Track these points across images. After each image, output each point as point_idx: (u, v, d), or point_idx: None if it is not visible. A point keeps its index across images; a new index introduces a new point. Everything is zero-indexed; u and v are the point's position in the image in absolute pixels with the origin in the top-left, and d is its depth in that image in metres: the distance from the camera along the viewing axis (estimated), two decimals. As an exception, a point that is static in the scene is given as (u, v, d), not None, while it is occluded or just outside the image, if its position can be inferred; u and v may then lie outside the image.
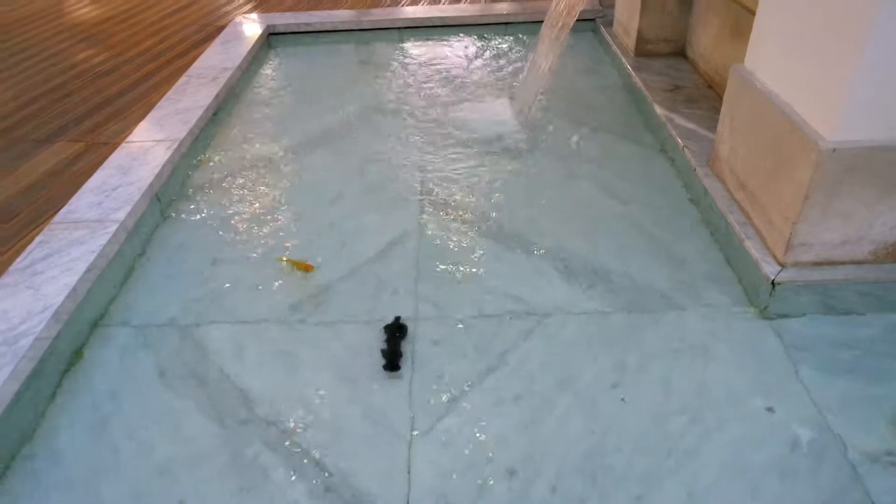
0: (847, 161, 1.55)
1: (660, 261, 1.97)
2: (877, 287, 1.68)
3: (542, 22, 2.95)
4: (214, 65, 3.36)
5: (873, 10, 1.38)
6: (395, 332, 1.72)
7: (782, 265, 1.72)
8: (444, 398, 1.56)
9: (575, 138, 2.69)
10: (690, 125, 2.47)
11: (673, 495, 1.32)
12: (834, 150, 1.54)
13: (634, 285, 1.88)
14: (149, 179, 2.25)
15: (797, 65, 1.70)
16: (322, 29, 4.05)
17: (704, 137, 2.35)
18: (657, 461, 1.39)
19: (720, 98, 2.41)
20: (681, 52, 3.16)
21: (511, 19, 4.01)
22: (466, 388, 1.58)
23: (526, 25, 3.89)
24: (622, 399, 1.53)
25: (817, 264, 1.72)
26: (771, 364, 1.60)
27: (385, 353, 1.66)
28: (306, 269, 2.01)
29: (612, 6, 3.62)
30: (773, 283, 1.69)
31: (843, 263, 1.72)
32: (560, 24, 2.62)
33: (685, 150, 2.31)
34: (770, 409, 1.48)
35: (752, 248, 1.80)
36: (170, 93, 3.03)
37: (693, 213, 2.17)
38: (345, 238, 2.16)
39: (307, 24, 4.05)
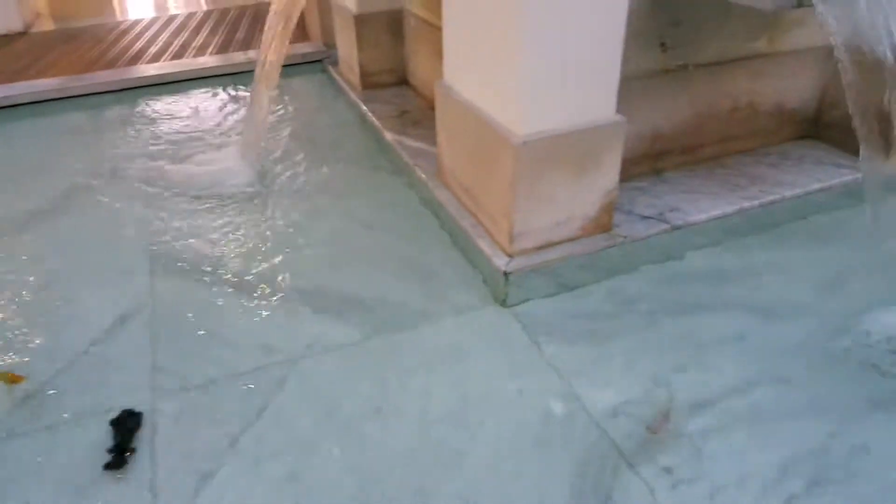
0: (538, 151, 1.71)
1: (409, 277, 1.99)
2: (590, 258, 1.87)
3: (285, 66, 2.85)
4: None
5: (520, 21, 1.54)
6: (121, 423, 1.49)
7: (511, 256, 1.84)
8: (193, 480, 1.37)
9: (315, 175, 2.66)
10: (419, 145, 2.59)
11: (448, 502, 1.30)
12: (525, 143, 1.69)
13: (387, 306, 1.87)
14: None
15: (479, 73, 1.85)
16: (26, 101, 3.55)
17: (432, 154, 2.46)
18: (428, 473, 1.36)
19: (439, 116, 2.56)
20: (404, 81, 3.33)
21: (250, 67, 3.88)
22: (219, 459, 1.41)
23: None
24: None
25: (539, 248, 1.86)
26: (517, 349, 1.68)
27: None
28: (14, 380, 1.67)
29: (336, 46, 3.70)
30: (505, 274, 1.79)
31: (560, 243, 1.89)
32: (270, 67, 2.60)
33: (416, 168, 2.40)
34: (521, 392, 1.55)
35: (485, 245, 1.91)
36: None
37: (433, 225, 2.24)
38: (60, 326, 1.84)
39: (6, 98, 3.52)
